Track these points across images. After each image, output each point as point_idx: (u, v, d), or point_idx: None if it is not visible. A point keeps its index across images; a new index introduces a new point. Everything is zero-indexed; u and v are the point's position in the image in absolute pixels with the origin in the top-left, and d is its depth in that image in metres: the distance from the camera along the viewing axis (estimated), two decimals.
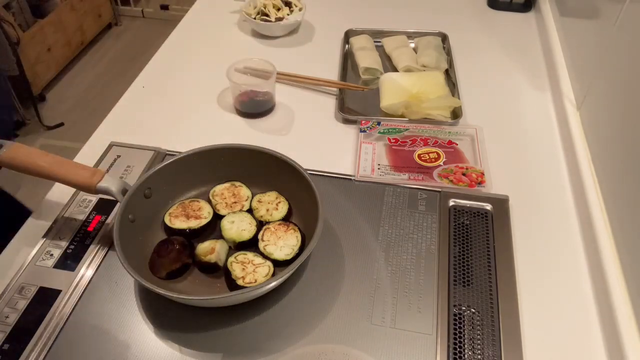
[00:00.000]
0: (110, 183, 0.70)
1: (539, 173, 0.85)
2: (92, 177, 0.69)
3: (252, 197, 0.76)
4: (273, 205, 0.74)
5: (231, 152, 0.76)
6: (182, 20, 1.27)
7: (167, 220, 0.73)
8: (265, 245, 0.69)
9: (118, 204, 0.69)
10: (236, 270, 0.65)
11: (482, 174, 0.83)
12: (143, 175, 0.72)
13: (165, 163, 0.74)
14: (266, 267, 0.66)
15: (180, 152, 0.75)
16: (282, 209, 0.74)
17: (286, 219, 0.73)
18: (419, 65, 1.07)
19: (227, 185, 0.77)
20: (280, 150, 0.75)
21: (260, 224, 0.72)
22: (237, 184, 0.77)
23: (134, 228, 0.69)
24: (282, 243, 0.69)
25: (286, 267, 0.62)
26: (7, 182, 1.01)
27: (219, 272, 0.68)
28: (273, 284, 0.62)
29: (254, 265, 0.66)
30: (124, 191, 0.70)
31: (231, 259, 0.67)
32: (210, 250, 0.67)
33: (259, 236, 0.70)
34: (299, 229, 0.70)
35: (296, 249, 0.68)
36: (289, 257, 0.67)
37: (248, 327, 0.64)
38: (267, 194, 0.76)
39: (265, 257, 0.68)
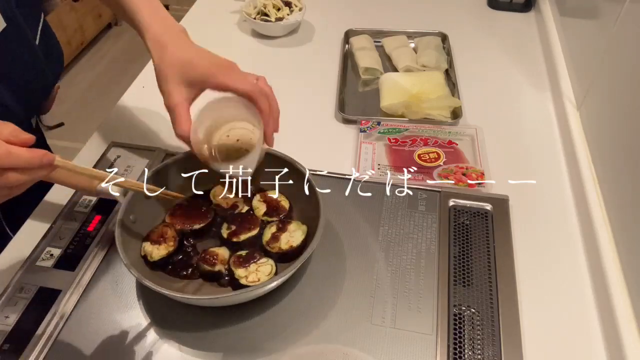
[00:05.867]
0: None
1: (539, 173, 0.85)
2: (92, 180, 0.68)
3: (253, 197, 0.76)
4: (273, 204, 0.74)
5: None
6: (182, 20, 1.27)
7: (167, 220, 0.73)
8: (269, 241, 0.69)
9: (118, 203, 0.69)
10: (239, 269, 0.65)
11: (482, 174, 0.83)
12: (143, 176, 0.72)
13: (166, 162, 0.74)
14: (269, 266, 0.66)
15: (180, 152, 0.75)
16: (283, 208, 0.74)
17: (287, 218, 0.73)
18: (419, 65, 1.07)
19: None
20: (280, 150, 0.75)
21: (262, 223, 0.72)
22: None
23: (135, 228, 0.69)
24: (289, 236, 0.69)
25: (289, 265, 0.62)
26: None
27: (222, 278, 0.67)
28: (275, 283, 0.62)
29: (257, 264, 0.66)
30: (124, 192, 0.69)
31: (233, 258, 0.67)
32: (215, 255, 0.67)
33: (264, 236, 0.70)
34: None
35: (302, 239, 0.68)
36: (297, 244, 0.68)
37: (248, 327, 0.64)
38: (269, 193, 0.76)
39: (268, 254, 0.68)
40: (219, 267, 0.67)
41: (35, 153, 0.50)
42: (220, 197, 0.75)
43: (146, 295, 0.67)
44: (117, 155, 0.86)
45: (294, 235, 0.69)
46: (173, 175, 0.74)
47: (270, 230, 0.70)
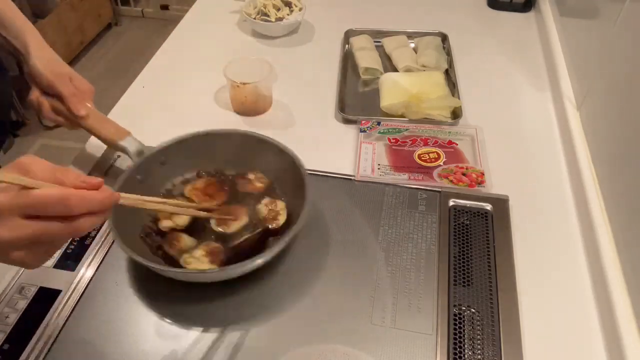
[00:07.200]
0: (129, 143, 0.76)
1: (539, 173, 0.85)
2: (117, 134, 0.77)
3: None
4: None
5: (250, 140, 0.77)
6: (182, 20, 1.27)
7: (187, 191, 0.75)
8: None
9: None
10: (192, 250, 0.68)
11: (482, 174, 0.83)
12: (161, 144, 0.76)
13: (186, 136, 0.76)
14: (207, 265, 0.66)
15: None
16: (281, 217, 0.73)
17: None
18: (419, 65, 1.07)
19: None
20: None
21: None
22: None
23: (140, 188, 0.69)
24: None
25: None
26: None
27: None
28: (256, 263, 0.63)
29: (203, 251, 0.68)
30: (139, 153, 0.75)
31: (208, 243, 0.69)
32: (178, 239, 0.69)
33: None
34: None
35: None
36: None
37: (246, 327, 0.64)
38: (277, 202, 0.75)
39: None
40: (173, 253, 0.68)
41: (106, 193, 0.47)
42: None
43: (146, 296, 0.67)
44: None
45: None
46: (191, 149, 0.77)
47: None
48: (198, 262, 0.66)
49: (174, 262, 0.67)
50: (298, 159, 0.73)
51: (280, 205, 0.74)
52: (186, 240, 0.69)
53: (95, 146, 0.89)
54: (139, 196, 0.58)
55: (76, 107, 0.75)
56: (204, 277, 0.65)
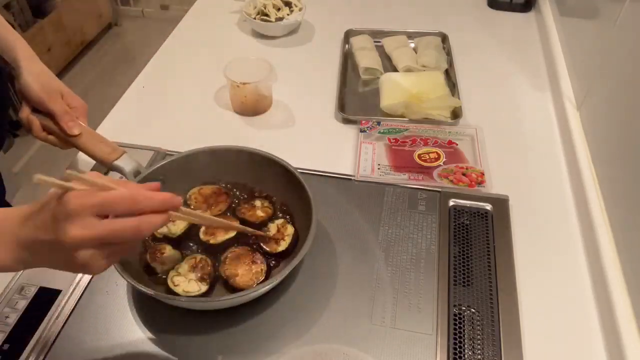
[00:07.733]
0: (125, 163, 0.73)
1: (539, 173, 0.85)
2: (111, 154, 0.73)
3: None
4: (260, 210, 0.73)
5: (252, 157, 0.75)
6: (182, 20, 1.27)
7: (190, 193, 0.74)
8: (226, 269, 0.66)
9: None
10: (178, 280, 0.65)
11: (482, 174, 0.83)
12: (158, 163, 0.73)
13: (185, 153, 0.74)
14: (196, 285, 0.65)
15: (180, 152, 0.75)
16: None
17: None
18: (419, 65, 1.07)
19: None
20: (280, 150, 0.75)
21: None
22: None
23: None
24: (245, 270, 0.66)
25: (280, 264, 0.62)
26: (6, 185, 1.01)
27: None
28: (254, 294, 0.61)
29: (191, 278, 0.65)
30: (136, 173, 0.72)
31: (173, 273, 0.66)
32: (162, 252, 0.67)
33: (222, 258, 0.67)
34: (266, 262, 0.67)
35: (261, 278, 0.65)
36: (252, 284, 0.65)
37: (247, 328, 0.64)
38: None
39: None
40: (155, 265, 0.66)
41: (166, 195, 0.49)
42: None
43: (143, 297, 0.67)
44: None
45: (244, 275, 0.65)
46: (188, 167, 0.75)
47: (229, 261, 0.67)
48: (185, 280, 0.64)
49: (152, 272, 0.66)
50: (303, 183, 0.69)
51: (290, 230, 0.70)
52: (170, 252, 0.68)
53: (83, 161, 0.86)
54: (194, 211, 0.61)
55: (68, 125, 0.72)
56: (206, 305, 0.65)
